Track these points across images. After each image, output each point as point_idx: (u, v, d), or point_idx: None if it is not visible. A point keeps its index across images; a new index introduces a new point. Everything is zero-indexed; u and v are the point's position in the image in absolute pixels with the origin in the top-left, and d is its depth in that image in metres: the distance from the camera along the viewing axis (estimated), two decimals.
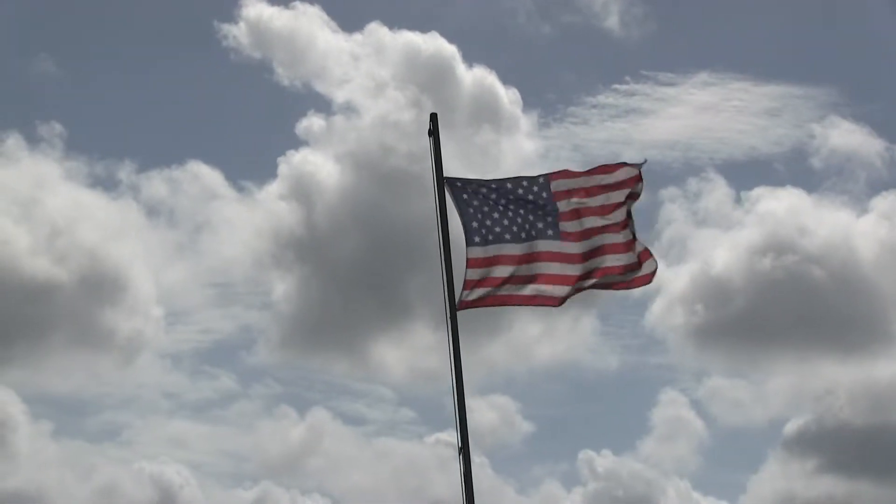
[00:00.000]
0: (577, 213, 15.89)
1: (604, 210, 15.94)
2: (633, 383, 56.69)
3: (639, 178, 15.95)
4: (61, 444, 49.32)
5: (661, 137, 60.38)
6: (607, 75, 64.13)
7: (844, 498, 45.20)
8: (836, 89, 63.18)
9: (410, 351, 48.32)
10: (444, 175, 15.59)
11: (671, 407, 52.40)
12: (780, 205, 53.39)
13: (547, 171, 16.10)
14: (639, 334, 56.06)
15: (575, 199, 15.92)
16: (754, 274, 50.26)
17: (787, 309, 49.87)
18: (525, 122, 57.07)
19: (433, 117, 15.57)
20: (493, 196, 15.74)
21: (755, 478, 48.92)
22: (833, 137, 58.15)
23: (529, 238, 15.71)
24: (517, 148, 55.66)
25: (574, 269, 15.74)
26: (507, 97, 55.08)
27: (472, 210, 15.62)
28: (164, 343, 53.68)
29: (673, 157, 60.42)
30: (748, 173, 61.94)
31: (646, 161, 16.14)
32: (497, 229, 15.65)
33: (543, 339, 51.65)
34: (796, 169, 60.82)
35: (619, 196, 15.96)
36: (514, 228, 15.71)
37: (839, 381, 48.21)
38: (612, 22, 60.99)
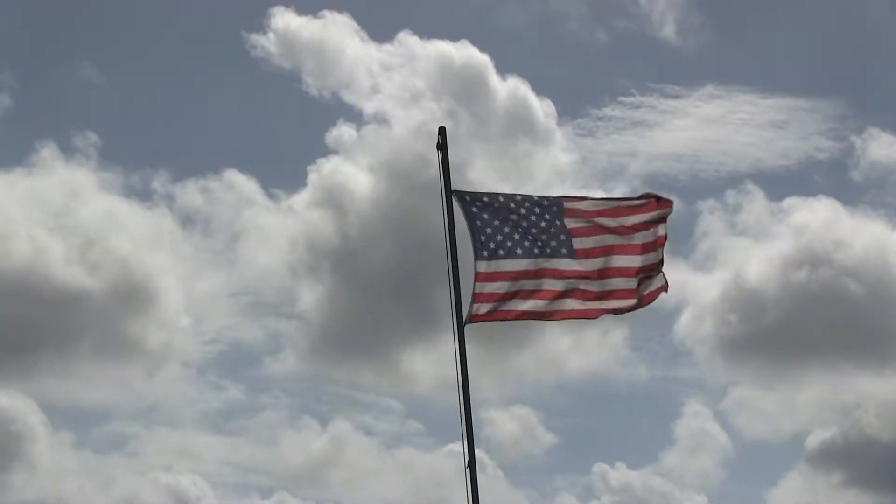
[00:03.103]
0: (589, 231, 15.75)
1: (620, 230, 15.85)
2: (661, 395, 56.40)
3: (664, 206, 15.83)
4: (82, 454, 49.50)
5: (667, 150, 60.22)
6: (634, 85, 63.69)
7: None
8: (843, 102, 62.94)
9: (437, 362, 48.20)
10: (454, 189, 15.53)
11: (696, 419, 52.11)
12: (814, 216, 53.08)
13: (565, 193, 15.98)
14: (667, 346, 55.83)
15: (586, 218, 15.81)
16: (785, 284, 49.96)
17: (820, 321, 49.56)
18: (560, 134, 56.96)
19: (441, 131, 15.52)
20: (504, 210, 15.61)
21: (775, 491, 48.62)
22: (872, 150, 57.83)
23: (543, 255, 15.52)
24: (552, 160, 55.52)
25: (591, 286, 15.60)
26: (542, 109, 54.94)
27: (479, 223, 15.43)
28: (190, 353, 53.76)
29: (679, 169, 60.32)
30: (776, 184, 61.73)
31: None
32: (508, 244, 15.46)
33: (573, 352, 51.44)
34: (833, 180, 60.56)
35: (638, 219, 15.87)
36: (526, 243, 15.52)
37: (870, 395, 47.85)
38: (668, 31, 60.90)
